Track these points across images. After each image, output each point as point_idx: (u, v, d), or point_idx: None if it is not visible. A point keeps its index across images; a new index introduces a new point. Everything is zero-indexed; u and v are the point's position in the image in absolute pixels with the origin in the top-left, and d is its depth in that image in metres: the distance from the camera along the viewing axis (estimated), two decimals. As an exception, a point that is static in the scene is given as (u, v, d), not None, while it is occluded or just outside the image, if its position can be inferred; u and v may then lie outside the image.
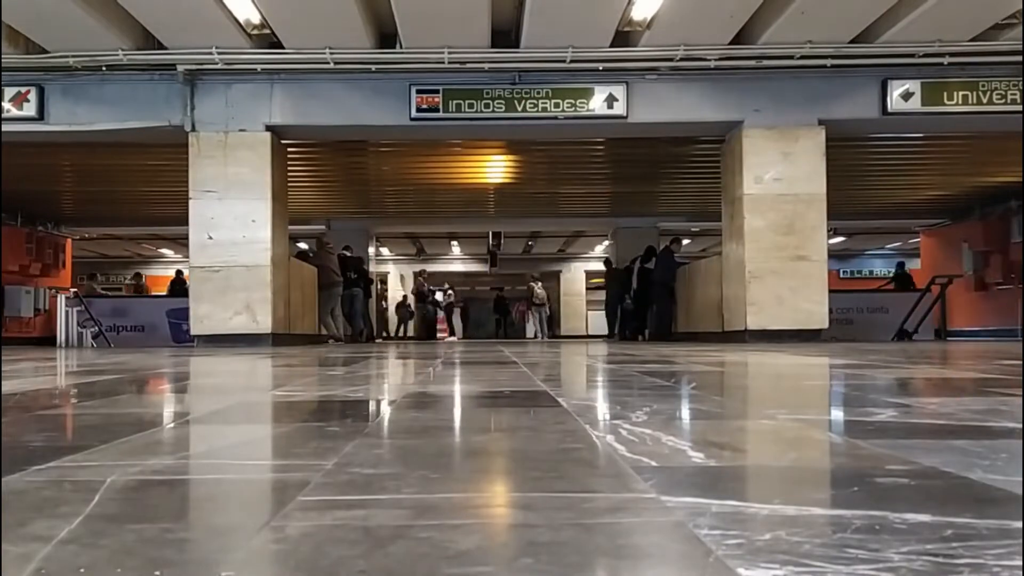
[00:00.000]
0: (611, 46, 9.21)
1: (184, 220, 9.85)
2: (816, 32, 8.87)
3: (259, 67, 9.47)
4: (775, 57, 9.32)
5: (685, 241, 19.94)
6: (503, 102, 9.62)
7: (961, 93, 9.51)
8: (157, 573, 0.66)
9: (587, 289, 28.47)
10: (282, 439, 1.59)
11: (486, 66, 9.40)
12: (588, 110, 9.65)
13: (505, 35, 9.37)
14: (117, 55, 9.08)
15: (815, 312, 9.57)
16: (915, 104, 9.57)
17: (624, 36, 9.23)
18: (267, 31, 9.03)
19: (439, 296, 22.78)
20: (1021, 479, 1.02)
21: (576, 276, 28.25)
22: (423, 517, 0.86)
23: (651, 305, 13.91)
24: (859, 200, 15.61)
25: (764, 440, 1.53)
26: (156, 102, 9.64)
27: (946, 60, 9.22)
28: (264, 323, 9.46)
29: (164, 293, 17.80)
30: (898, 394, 2.47)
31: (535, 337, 20.92)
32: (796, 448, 1.41)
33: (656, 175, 13.90)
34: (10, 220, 15.57)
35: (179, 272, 17.89)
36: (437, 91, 9.62)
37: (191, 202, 9.63)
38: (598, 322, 23.63)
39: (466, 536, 0.78)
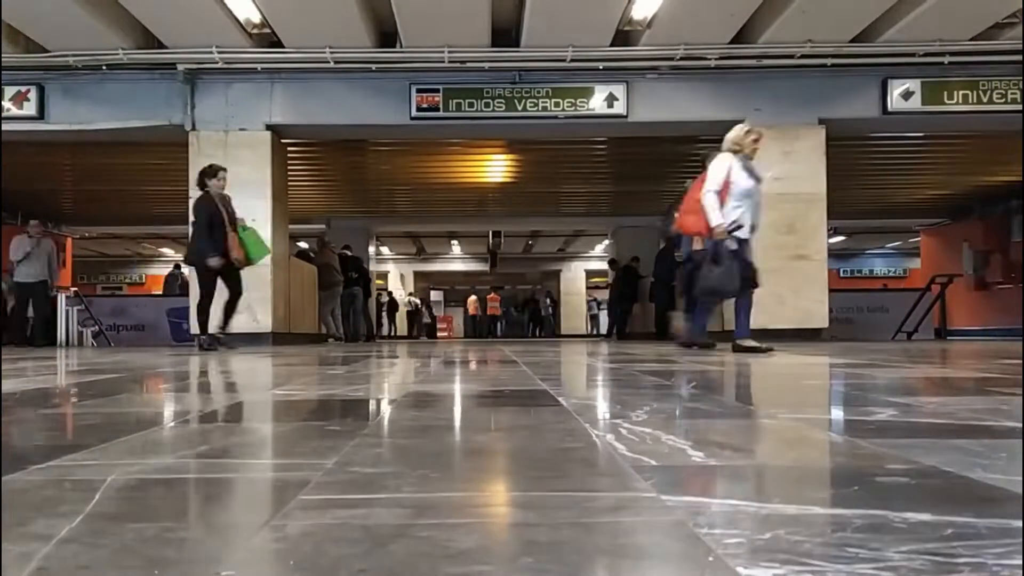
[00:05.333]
0: (611, 45, 9.21)
1: (184, 219, 9.83)
2: (816, 31, 8.86)
3: (259, 66, 9.46)
4: (775, 56, 9.32)
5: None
6: (503, 101, 9.62)
7: (961, 92, 9.51)
8: (156, 573, 0.66)
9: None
10: (282, 438, 1.59)
11: (486, 65, 9.40)
12: (588, 109, 9.65)
13: (505, 34, 9.37)
14: (117, 54, 9.08)
15: (815, 311, 9.57)
16: (915, 103, 9.57)
17: (624, 35, 9.22)
18: (267, 30, 9.02)
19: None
20: (1021, 478, 1.02)
21: (576, 275, 28.26)
22: (423, 516, 0.86)
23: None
24: (859, 199, 15.60)
25: (764, 439, 1.53)
26: (156, 101, 9.64)
27: (946, 59, 9.22)
28: (264, 322, 9.46)
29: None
30: (898, 393, 2.47)
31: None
32: (796, 447, 1.41)
33: (656, 174, 13.90)
34: (10, 219, 15.58)
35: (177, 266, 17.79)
36: (437, 90, 9.62)
37: (191, 201, 9.61)
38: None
39: (466, 535, 0.78)
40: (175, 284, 16.57)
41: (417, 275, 29.76)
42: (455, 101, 9.62)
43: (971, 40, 9.02)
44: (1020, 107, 9.36)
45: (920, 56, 9.19)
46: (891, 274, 27.91)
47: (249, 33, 9.10)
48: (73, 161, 12.88)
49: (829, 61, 9.33)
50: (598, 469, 1.16)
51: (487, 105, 9.62)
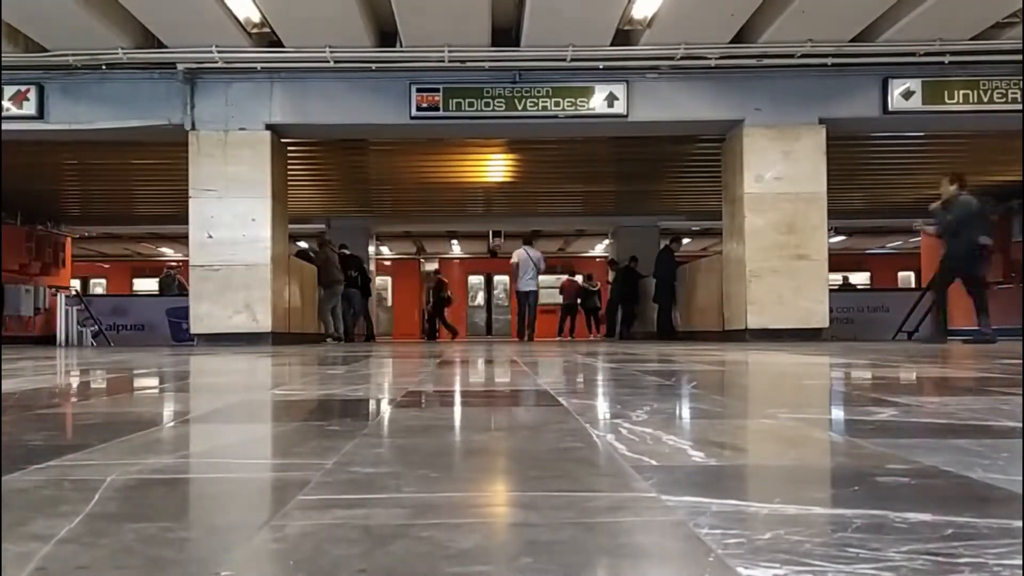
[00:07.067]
0: (612, 45, 9.20)
1: (184, 219, 9.85)
2: (817, 31, 8.86)
3: (259, 66, 9.46)
4: (776, 56, 9.32)
5: (685, 240, 19.93)
6: (503, 101, 9.61)
7: (962, 92, 9.50)
8: (155, 573, 0.66)
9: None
10: (282, 438, 1.58)
11: (486, 64, 9.40)
12: (588, 109, 9.65)
13: (506, 33, 9.36)
14: (117, 54, 9.07)
15: (816, 311, 9.56)
16: (916, 103, 9.57)
17: (624, 35, 9.22)
18: (267, 30, 9.02)
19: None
20: (1021, 478, 1.02)
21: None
22: (423, 516, 0.85)
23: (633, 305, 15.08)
24: (860, 199, 15.60)
25: (764, 439, 1.53)
26: (156, 101, 9.63)
27: (947, 59, 9.22)
28: (264, 322, 9.46)
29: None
30: (898, 393, 2.47)
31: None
32: (796, 447, 1.41)
33: (657, 174, 13.90)
34: (10, 219, 15.58)
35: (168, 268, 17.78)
36: (437, 89, 9.61)
37: (191, 201, 9.63)
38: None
39: (466, 535, 0.78)
40: (173, 285, 16.57)
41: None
42: (455, 101, 9.62)
43: (971, 40, 9.02)
44: (1020, 107, 9.36)
45: (920, 56, 9.19)
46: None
47: (249, 32, 9.09)
48: (73, 161, 12.87)
49: (829, 61, 9.32)
50: (598, 469, 1.16)
51: (487, 105, 9.62)
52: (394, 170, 13.64)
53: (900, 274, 22.92)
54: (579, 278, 18.37)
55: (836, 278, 19.66)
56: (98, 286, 24.21)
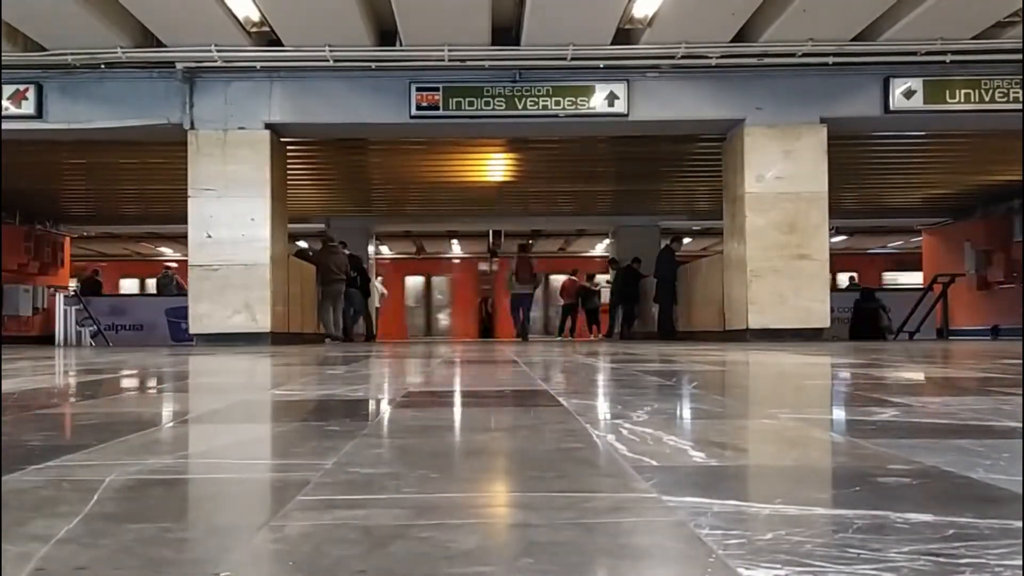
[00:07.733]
0: (612, 44, 9.19)
1: (183, 219, 9.84)
2: (818, 30, 8.86)
3: (258, 65, 9.45)
4: (777, 55, 9.31)
5: (686, 240, 19.92)
6: (503, 100, 9.60)
7: (963, 91, 9.50)
8: (154, 574, 0.66)
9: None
10: (281, 438, 1.58)
11: (486, 64, 9.39)
12: (589, 108, 9.64)
13: (506, 32, 9.36)
14: (116, 53, 9.07)
15: (817, 311, 9.56)
16: (917, 102, 9.56)
17: (625, 34, 9.21)
18: (266, 29, 9.02)
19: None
20: (1022, 478, 1.02)
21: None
22: (423, 517, 0.85)
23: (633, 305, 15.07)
24: (861, 199, 15.60)
25: (765, 440, 1.52)
26: (155, 100, 9.62)
27: (948, 58, 9.21)
28: (263, 322, 9.45)
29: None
30: (899, 393, 2.46)
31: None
32: (797, 448, 1.41)
33: (657, 173, 13.89)
34: (9, 219, 15.57)
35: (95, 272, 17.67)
36: (437, 89, 9.60)
37: (190, 200, 9.62)
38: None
39: (466, 536, 0.78)
40: (171, 285, 16.58)
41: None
42: (455, 100, 9.61)
43: (972, 39, 9.01)
44: (1021, 106, 9.35)
45: (922, 55, 9.18)
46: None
47: (248, 31, 9.09)
48: (72, 160, 12.87)
49: (830, 60, 9.31)
50: (599, 469, 1.16)
51: (487, 104, 9.61)
52: (394, 169, 13.63)
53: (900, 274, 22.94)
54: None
55: (841, 278, 19.68)
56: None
